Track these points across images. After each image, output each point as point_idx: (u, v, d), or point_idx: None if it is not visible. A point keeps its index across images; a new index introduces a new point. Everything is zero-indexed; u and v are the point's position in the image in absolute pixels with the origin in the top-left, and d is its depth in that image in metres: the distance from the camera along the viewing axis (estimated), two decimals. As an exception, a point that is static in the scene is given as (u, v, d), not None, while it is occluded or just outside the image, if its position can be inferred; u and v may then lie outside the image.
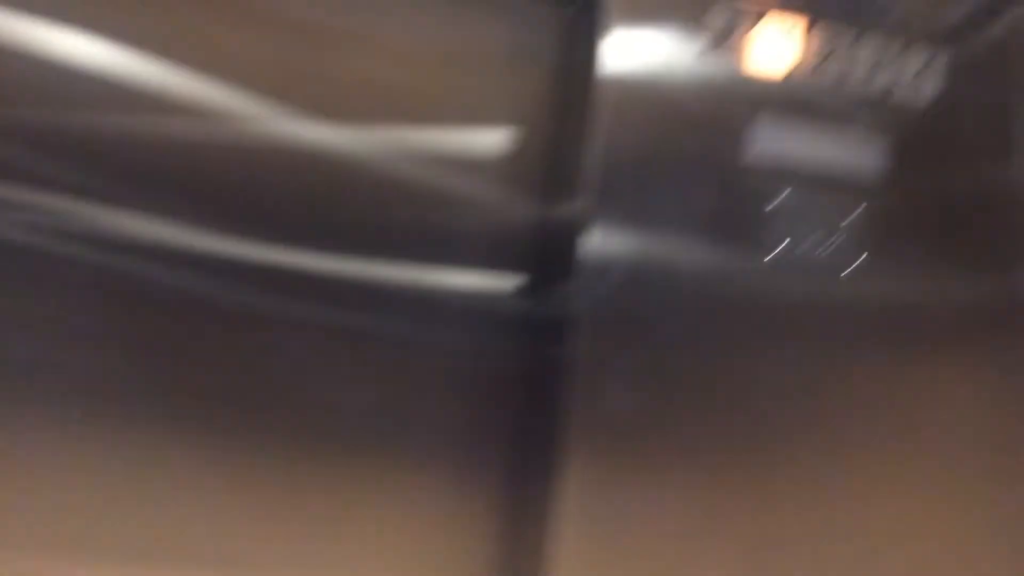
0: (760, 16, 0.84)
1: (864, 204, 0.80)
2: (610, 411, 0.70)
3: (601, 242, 0.73)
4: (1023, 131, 0.87)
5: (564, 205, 0.82)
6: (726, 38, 0.82)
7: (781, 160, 0.80)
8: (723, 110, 0.80)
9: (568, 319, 0.72)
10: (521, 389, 0.81)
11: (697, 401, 0.73)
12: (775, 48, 0.83)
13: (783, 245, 0.77)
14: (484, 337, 0.81)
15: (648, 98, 0.78)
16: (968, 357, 0.80)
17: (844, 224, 0.80)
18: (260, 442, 0.77)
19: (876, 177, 0.82)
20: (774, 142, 0.81)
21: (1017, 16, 0.91)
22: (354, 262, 0.80)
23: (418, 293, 0.81)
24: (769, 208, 0.78)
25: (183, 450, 0.76)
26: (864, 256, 0.79)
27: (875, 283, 0.79)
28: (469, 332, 0.81)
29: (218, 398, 0.77)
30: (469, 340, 0.81)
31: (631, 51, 0.79)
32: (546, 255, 0.84)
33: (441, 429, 0.79)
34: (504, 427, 0.80)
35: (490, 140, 0.87)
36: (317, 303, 0.79)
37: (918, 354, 0.80)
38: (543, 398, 0.76)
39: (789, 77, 0.83)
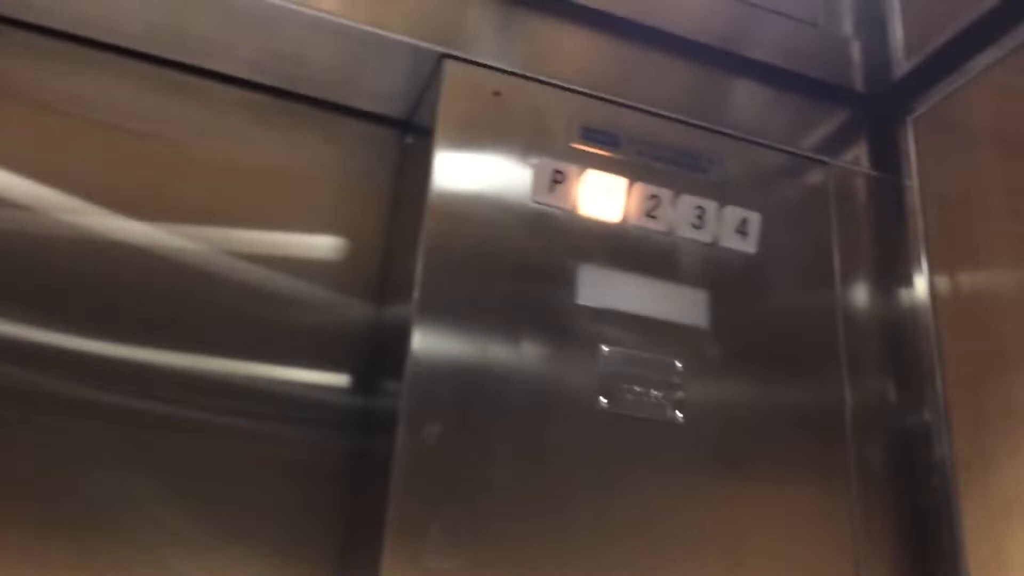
0: (587, 165, 0.85)
1: (691, 345, 0.83)
2: (435, 505, 0.70)
3: (428, 344, 0.74)
4: (845, 259, 0.93)
5: (395, 309, 0.83)
6: (553, 180, 0.83)
7: (604, 300, 0.81)
8: (544, 242, 0.81)
9: (396, 415, 0.72)
10: (351, 482, 0.81)
11: (521, 501, 0.73)
12: (600, 194, 0.84)
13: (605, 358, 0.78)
14: (317, 431, 0.83)
15: (474, 218, 0.79)
16: (796, 470, 0.83)
17: (674, 362, 0.81)
18: (75, 535, 0.74)
19: (703, 317, 0.84)
20: (598, 284, 0.82)
21: (836, 167, 0.97)
22: (190, 357, 0.81)
23: (252, 388, 0.82)
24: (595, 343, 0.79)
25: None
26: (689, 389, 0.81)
27: (704, 407, 0.81)
28: (302, 426, 0.83)
29: (36, 491, 0.75)
30: (302, 434, 0.83)
31: (461, 174, 0.80)
32: (377, 354, 0.85)
33: (272, 519, 0.79)
34: (333, 518, 0.80)
35: (327, 247, 0.89)
36: (152, 396, 0.79)
37: (749, 471, 0.82)
38: (372, 491, 0.75)
39: (614, 225, 0.84)
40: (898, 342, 0.93)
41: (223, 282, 0.85)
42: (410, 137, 0.93)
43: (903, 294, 0.95)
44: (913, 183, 0.97)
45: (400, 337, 0.76)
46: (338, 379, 0.86)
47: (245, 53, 0.87)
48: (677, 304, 0.84)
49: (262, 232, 0.88)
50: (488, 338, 0.76)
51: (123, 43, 0.86)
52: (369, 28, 0.83)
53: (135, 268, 0.82)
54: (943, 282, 0.92)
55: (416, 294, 0.75)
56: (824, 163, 0.96)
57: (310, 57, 0.88)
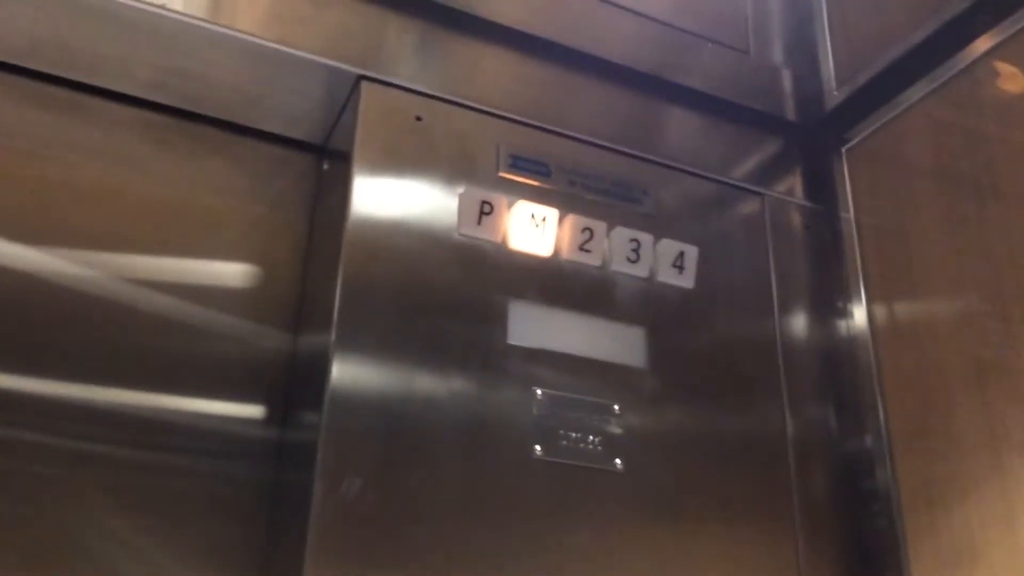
0: (516, 196, 0.80)
1: (629, 385, 0.78)
2: (357, 561, 0.65)
3: (348, 375, 0.69)
4: (783, 290, 0.90)
5: (313, 338, 0.78)
6: (481, 211, 0.77)
7: (536, 339, 0.76)
8: (472, 276, 0.76)
9: (314, 449, 0.67)
10: (269, 516, 0.76)
11: (450, 557, 0.66)
12: (531, 226, 0.79)
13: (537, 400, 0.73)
14: (232, 464, 0.78)
15: (396, 249, 0.74)
16: (739, 509, 0.80)
17: (612, 404, 0.77)
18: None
19: (641, 356, 0.80)
20: (530, 321, 0.77)
21: (772, 198, 0.94)
22: (95, 389, 0.75)
23: (162, 420, 0.76)
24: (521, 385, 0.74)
25: None
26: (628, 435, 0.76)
27: (644, 451, 0.76)
28: (217, 459, 0.77)
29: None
30: (217, 467, 0.77)
31: (381, 202, 0.75)
32: (295, 385, 0.79)
33: (187, 555, 0.74)
34: (251, 551, 0.75)
35: (239, 275, 0.83)
36: (57, 431, 0.73)
37: (692, 515, 0.77)
38: (289, 529, 0.70)
39: (546, 259, 0.79)
40: (838, 371, 0.91)
41: (125, 311, 0.78)
42: (327, 163, 0.87)
43: (842, 323, 0.93)
44: (849, 215, 0.95)
45: (318, 368, 0.70)
46: (254, 410, 0.80)
47: (143, 71, 0.80)
48: (613, 343, 0.80)
49: (167, 259, 0.81)
50: (413, 374, 0.71)
51: (6, 58, 0.77)
52: (281, 47, 0.77)
53: (25, 296, 0.75)
54: (881, 311, 0.91)
55: (335, 324, 0.70)
56: (760, 194, 0.94)
57: (217, 77, 0.81)
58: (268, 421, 0.79)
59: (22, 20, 0.75)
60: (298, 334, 0.82)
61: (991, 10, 0.81)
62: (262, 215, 0.86)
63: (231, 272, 0.83)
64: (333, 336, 0.69)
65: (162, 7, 0.73)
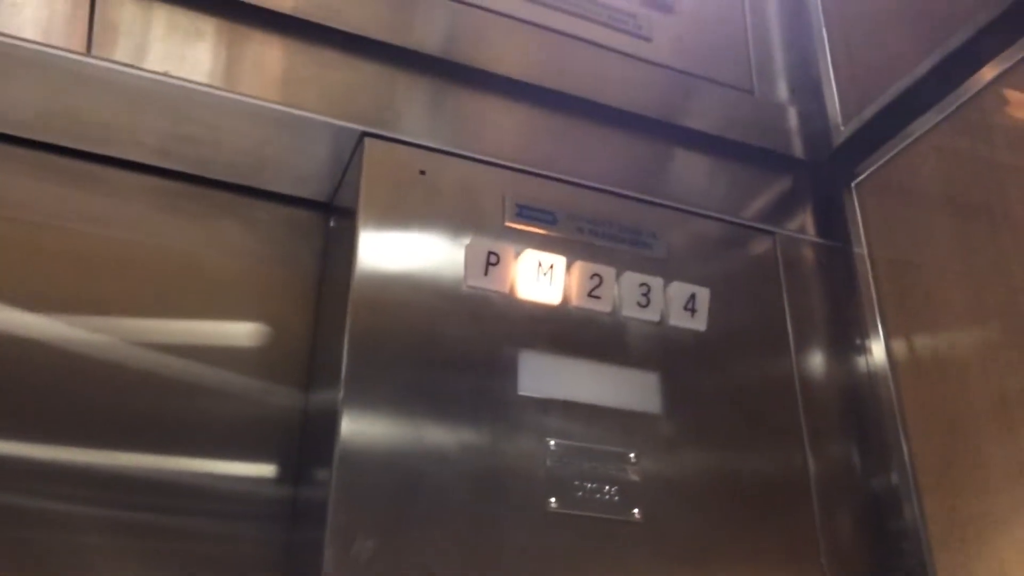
0: (523, 245, 0.80)
1: (644, 432, 0.77)
2: None
3: (357, 430, 0.68)
4: (799, 328, 0.89)
5: (322, 394, 0.77)
6: (488, 262, 0.77)
7: (548, 389, 0.76)
8: (480, 328, 0.76)
9: (325, 503, 0.66)
10: (282, 573, 0.75)
11: None
12: (539, 275, 0.79)
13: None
14: (247, 524, 0.77)
15: (404, 303, 0.74)
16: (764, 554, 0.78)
17: (628, 452, 0.75)
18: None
19: (655, 402, 0.79)
20: (541, 371, 0.76)
21: (783, 236, 0.93)
22: (118, 455, 0.75)
23: (175, 483, 0.76)
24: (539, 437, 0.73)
25: None
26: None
27: (663, 500, 0.74)
28: (232, 520, 0.76)
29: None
30: (232, 528, 0.76)
31: (388, 257, 0.75)
32: (307, 442, 0.78)
33: None
34: None
35: (249, 334, 0.83)
36: (72, 497, 0.72)
37: (715, 564, 0.75)
38: None
39: (555, 307, 0.79)
40: (859, 408, 0.90)
41: (137, 375, 0.77)
42: (334, 220, 0.87)
43: (861, 360, 0.92)
44: (862, 250, 0.94)
45: (328, 424, 0.70)
46: (266, 469, 0.79)
47: (151, 138, 0.81)
48: (627, 389, 0.79)
49: (178, 322, 0.81)
50: (422, 429, 0.70)
51: (13, 131, 0.79)
52: (285, 108, 0.78)
53: (37, 363, 0.74)
54: (901, 346, 0.89)
55: (343, 379, 0.69)
56: (771, 232, 0.93)
57: (224, 141, 0.81)
58: (281, 480, 0.79)
59: (29, 93, 0.76)
60: (309, 391, 0.81)
61: (995, 38, 0.81)
62: (271, 274, 0.86)
63: (241, 332, 0.83)
64: (341, 392, 0.69)
65: (165, 74, 0.75)
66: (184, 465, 0.77)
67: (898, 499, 0.85)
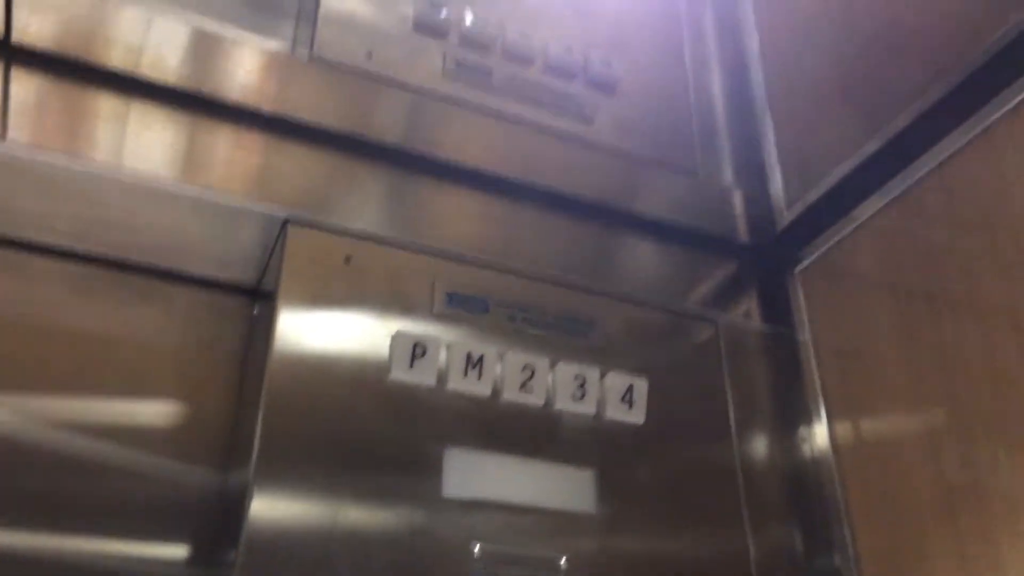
0: (452, 336, 0.77)
1: (578, 534, 0.73)
2: None
3: (268, 511, 0.65)
4: (741, 416, 0.87)
5: (236, 474, 0.74)
6: (413, 354, 0.74)
7: (475, 489, 0.72)
8: (404, 423, 0.72)
9: None
10: None
11: None
12: (467, 367, 0.76)
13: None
14: None
15: (322, 395, 0.71)
16: None
17: (560, 557, 0.71)
18: None
19: (590, 501, 0.75)
20: (468, 470, 0.73)
21: (724, 321, 0.91)
22: (27, 535, 0.71)
23: (81, 565, 0.72)
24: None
25: None
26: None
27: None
28: None
29: None
30: None
31: (308, 346, 0.72)
32: (220, 524, 0.75)
33: None
34: None
35: (165, 415, 0.80)
36: None
37: None
38: None
39: (484, 400, 0.76)
40: (802, 493, 0.87)
41: (52, 455, 0.74)
42: (258, 306, 0.84)
43: (805, 445, 0.89)
44: (806, 336, 0.91)
45: (239, 504, 0.67)
46: (176, 551, 0.75)
47: (63, 223, 0.77)
48: (560, 488, 0.75)
49: (94, 402, 0.77)
50: (337, 518, 0.66)
51: (-84, 216, 0.76)
52: (202, 193, 0.75)
53: None
54: (844, 431, 0.87)
55: (254, 458, 0.66)
56: (712, 320, 0.90)
57: (139, 224, 0.78)
58: (193, 561, 0.75)
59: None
60: (227, 472, 0.78)
61: (937, 123, 0.80)
62: (193, 358, 0.82)
63: (161, 413, 0.80)
64: (252, 471, 0.66)
65: (83, 159, 0.72)
66: (95, 547, 0.73)
67: (841, 579, 0.82)
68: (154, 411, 0.79)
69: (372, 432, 0.71)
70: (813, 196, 0.92)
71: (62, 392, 0.76)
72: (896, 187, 0.85)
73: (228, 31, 0.82)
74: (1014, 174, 0.73)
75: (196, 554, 0.75)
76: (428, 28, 0.91)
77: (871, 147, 0.85)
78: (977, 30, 0.76)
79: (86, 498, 0.73)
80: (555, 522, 0.73)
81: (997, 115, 0.74)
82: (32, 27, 0.72)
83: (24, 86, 0.73)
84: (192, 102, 0.77)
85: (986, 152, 0.76)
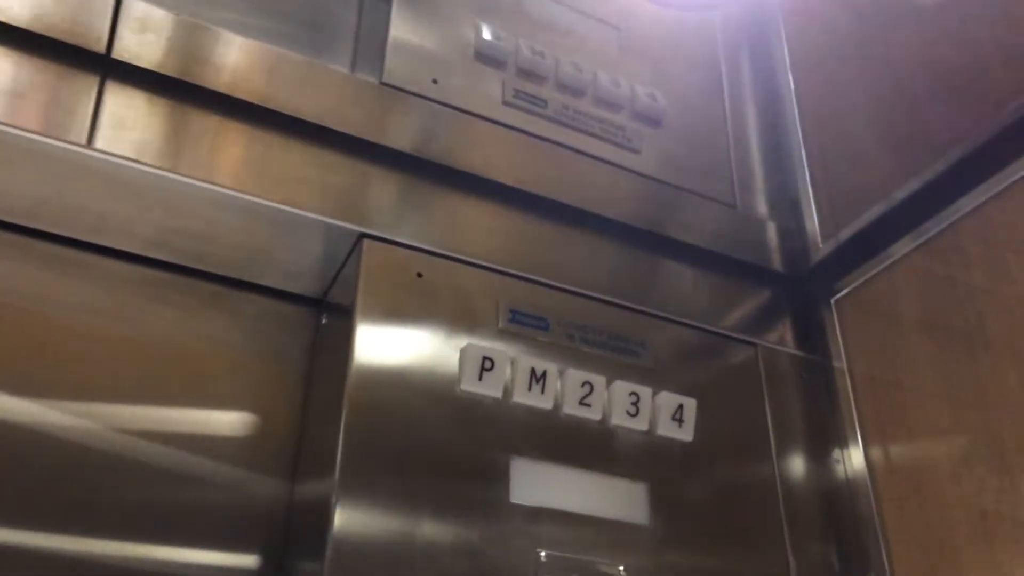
0: (517, 351, 0.81)
1: (633, 544, 0.76)
2: None
3: (350, 525, 0.67)
4: (780, 437, 0.91)
5: (312, 485, 0.77)
6: (482, 367, 0.77)
7: (539, 497, 0.75)
8: (473, 433, 0.76)
9: None
10: None
11: None
12: (531, 381, 0.79)
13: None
14: None
15: (397, 404, 0.74)
16: None
17: (619, 567, 0.75)
18: None
19: (644, 514, 0.79)
20: (533, 479, 0.76)
21: (765, 348, 0.95)
22: (98, 542, 0.73)
23: (155, 572, 0.75)
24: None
25: None
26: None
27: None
28: None
29: None
30: None
31: (383, 358, 0.75)
32: (295, 534, 0.77)
33: None
34: None
35: (234, 424, 0.83)
36: None
37: None
38: None
39: (547, 413, 0.79)
40: (840, 514, 0.91)
41: (123, 461, 0.77)
42: (326, 317, 0.87)
43: (840, 468, 0.93)
44: (842, 364, 0.96)
45: (320, 515, 0.69)
46: (248, 560, 0.78)
47: (145, 230, 0.81)
48: (616, 499, 0.79)
49: (164, 410, 0.80)
50: (414, 529, 0.69)
51: (7, 218, 0.78)
52: (285, 207, 0.78)
53: (23, 448, 0.74)
54: (878, 455, 0.91)
55: (337, 472, 0.69)
56: (754, 344, 0.95)
57: (219, 235, 0.82)
58: (263, 571, 0.77)
59: (25, 182, 0.76)
60: (295, 482, 0.80)
61: (972, 171, 0.84)
62: (259, 367, 0.86)
63: (228, 422, 0.83)
64: (336, 483, 0.68)
65: (170, 170, 0.75)
66: (166, 554, 0.75)
67: (880, 608, 0.86)
68: (221, 419, 0.82)
69: (444, 441, 0.74)
70: (846, 234, 0.97)
71: (133, 399, 0.79)
72: (931, 229, 0.89)
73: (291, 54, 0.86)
74: (1052, 218, 0.78)
75: (266, 564, 0.77)
76: (489, 59, 0.96)
77: (905, 191, 0.90)
78: (1014, 85, 0.81)
79: (156, 505, 0.76)
80: (612, 532, 0.77)
81: (1036, 162, 0.80)
82: (132, 45, 0.76)
83: (117, 98, 0.77)
84: (272, 119, 0.81)
85: (1022, 200, 0.81)
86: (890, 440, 0.90)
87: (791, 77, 1.11)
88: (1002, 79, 0.84)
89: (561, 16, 1.05)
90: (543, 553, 0.73)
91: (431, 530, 0.70)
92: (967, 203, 0.85)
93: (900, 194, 0.90)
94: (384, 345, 0.76)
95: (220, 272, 0.86)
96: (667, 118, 1.03)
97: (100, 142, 0.74)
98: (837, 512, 0.90)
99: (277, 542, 0.78)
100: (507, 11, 1.00)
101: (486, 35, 0.96)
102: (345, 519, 0.67)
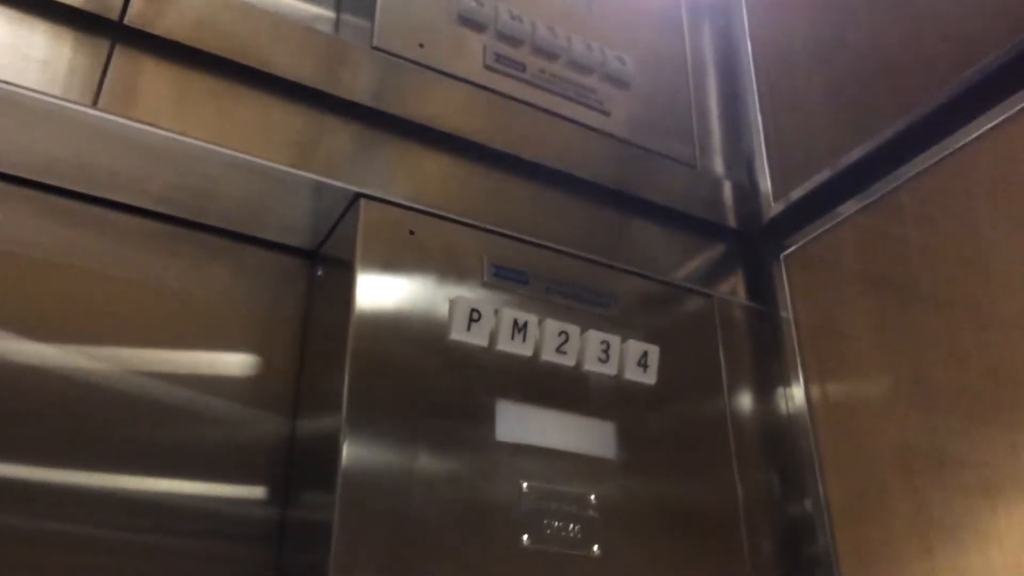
0: (500, 303, 0.88)
1: (602, 475, 0.86)
2: None
3: (358, 457, 0.75)
4: (731, 379, 1.01)
5: (317, 423, 0.84)
6: (470, 318, 0.85)
7: (522, 435, 0.84)
8: (463, 378, 0.84)
9: (328, 525, 0.73)
10: None
11: None
12: (513, 331, 0.87)
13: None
14: (235, 545, 0.83)
15: (395, 352, 0.81)
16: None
17: (590, 495, 0.84)
18: None
19: (611, 449, 0.89)
20: (516, 419, 0.85)
21: (720, 299, 1.04)
22: (113, 476, 0.80)
23: (167, 504, 0.81)
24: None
25: None
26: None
27: (617, 535, 0.84)
28: (220, 540, 0.82)
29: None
30: (220, 548, 0.82)
31: (381, 308, 0.82)
32: (300, 468, 0.85)
33: None
34: None
35: (238, 365, 0.90)
36: (66, 518, 0.77)
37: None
38: None
39: (527, 359, 0.88)
40: (782, 446, 1.02)
41: (134, 400, 0.83)
42: (321, 269, 0.94)
43: (783, 405, 1.04)
44: (788, 314, 1.06)
45: (328, 450, 0.77)
46: (255, 491, 0.85)
47: (156, 187, 0.86)
48: (588, 436, 0.88)
49: (173, 352, 0.87)
50: (413, 465, 0.77)
51: (24, 174, 0.83)
52: (287, 168, 0.84)
53: (42, 389, 0.80)
54: (817, 395, 1.02)
55: (344, 410, 0.77)
56: (710, 296, 1.04)
57: (222, 193, 0.87)
58: (269, 500, 0.85)
59: (44, 142, 0.81)
60: (297, 418, 0.88)
61: (912, 143, 0.94)
62: (258, 313, 0.92)
63: (231, 362, 0.90)
64: (343, 420, 0.76)
65: (181, 133, 0.80)
66: (176, 487, 0.82)
67: (813, 527, 0.97)
68: (224, 360, 0.89)
69: (437, 385, 0.82)
70: (797, 194, 1.06)
71: (143, 342, 0.86)
72: (875, 192, 0.99)
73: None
74: (978, 189, 0.88)
75: (272, 494, 0.85)
76: (471, 22, 1.01)
77: (854, 156, 0.99)
78: (956, 62, 0.90)
79: (165, 440, 0.83)
80: (584, 465, 0.86)
81: (967, 140, 0.89)
82: (144, 12, 0.80)
83: (125, 60, 0.81)
84: (274, 84, 0.86)
85: (957, 169, 0.91)
86: (828, 382, 1.01)
87: (749, 45, 1.19)
88: (943, 57, 0.93)
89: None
90: (525, 484, 0.82)
91: (427, 463, 0.78)
92: (907, 171, 0.95)
93: (846, 160, 0.99)
94: (381, 297, 0.83)
95: (223, 226, 0.92)
96: (635, 81, 1.10)
97: (108, 104, 0.79)
98: (780, 445, 1.01)
99: (280, 474, 0.86)
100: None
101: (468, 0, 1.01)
102: (352, 453, 0.76)
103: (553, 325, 0.89)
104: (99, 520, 0.78)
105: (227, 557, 0.82)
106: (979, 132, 0.88)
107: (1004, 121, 0.87)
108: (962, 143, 0.89)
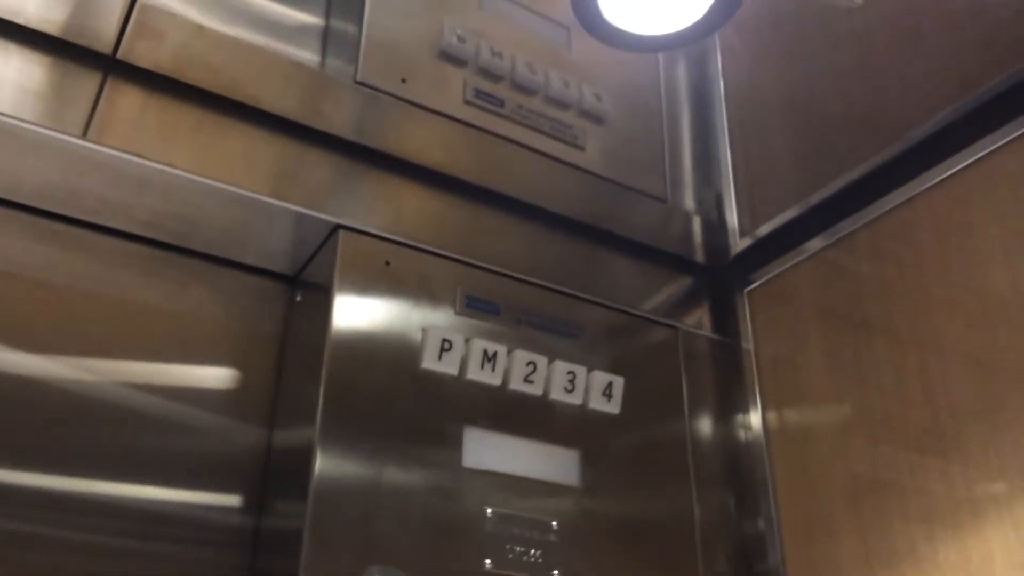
0: (471, 333, 0.92)
1: (565, 503, 0.90)
2: None
3: (330, 469, 0.79)
4: (693, 407, 1.06)
5: (293, 434, 0.88)
6: (442, 348, 0.89)
7: (487, 462, 0.88)
8: (433, 406, 0.88)
9: (299, 533, 0.76)
10: None
11: None
12: (483, 360, 0.91)
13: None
14: (210, 551, 0.86)
15: (368, 380, 0.85)
16: None
17: (551, 521, 0.88)
18: None
19: (575, 476, 0.93)
20: (482, 446, 0.88)
21: (685, 331, 1.09)
22: (96, 482, 0.84)
23: (146, 510, 0.85)
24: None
25: None
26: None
27: (577, 560, 0.87)
28: (196, 546, 0.86)
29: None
30: (196, 553, 0.86)
31: (357, 335, 0.86)
32: (275, 476, 0.89)
33: None
34: None
35: (222, 380, 0.94)
36: (47, 521, 0.81)
37: None
38: None
39: (495, 388, 0.91)
40: (738, 471, 1.07)
41: (116, 410, 0.87)
42: (300, 294, 0.97)
43: (741, 432, 1.08)
44: (749, 346, 1.10)
45: (301, 460, 0.81)
46: (231, 499, 0.89)
47: (142, 213, 0.89)
48: (552, 464, 0.92)
49: (154, 365, 0.91)
50: (382, 477, 0.82)
51: (18, 199, 0.86)
52: (271, 199, 0.88)
53: (24, 398, 0.83)
54: (773, 422, 1.07)
55: (318, 422, 0.81)
56: (675, 327, 1.08)
57: (208, 220, 0.91)
58: (244, 508, 0.89)
59: (36, 169, 0.84)
60: (274, 430, 0.92)
61: (871, 190, 0.98)
62: (240, 332, 0.96)
63: (213, 377, 0.93)
64: (317, 432, 0.80)
65: (169, 164, 0.83)
66: (156, 494, 0.86)
67: (765, 546, 1.02)
68: (204, 375, 0.93)
69: (407, 410, 0.86)
70: (762, 232, 1.10)
71: (129, 357, 0.89)
72: (835, 233, 1.03)
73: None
74: (926, 239, 0.93)
75: (247, 502, 0.89)
76: (452, 58, 1.05)
77: (816, 198, 1.03)
78: (912, 115, 0.95)
79: (148, 449, 0.87)
80: (548, 491, 0.90)
81: (918, 190, 0.94)
82: (137, 47, 0.84)
83: (116, 92, 0.85)
84: (261, 119, 0.90)
85: (908, 217, 0.95)
86: (784, 411, 1.05)
87: (722, 86, 1.23)
88: (900, 110, 0.97)
89: (513, 13, 1.14)
90: (489, 510, 0.85)
91: (394, 481, 0.82)
92: (867, 213, 0.99)
93: (810, 201, 1.04)
94: (357, 324, 0.86)
95: (206, 251, 0.95)
96: (609, 116, 1.14)
97: (98, 135, 0.82)
98: (737, 470, 1.06)
99: (256, 483, 0.90)
100: (465, 8, 1.09)
101: (450, 36, 1.05)
102: (324, 465, 0.79)
103: (522, 355, 0.93)
104: (80, 524, 0.82)
105: (203, 562, 0.86)
106: (931, 183, 0.92)
107: (956, 172, 0.91)
108: (916, 191, 0.94)
